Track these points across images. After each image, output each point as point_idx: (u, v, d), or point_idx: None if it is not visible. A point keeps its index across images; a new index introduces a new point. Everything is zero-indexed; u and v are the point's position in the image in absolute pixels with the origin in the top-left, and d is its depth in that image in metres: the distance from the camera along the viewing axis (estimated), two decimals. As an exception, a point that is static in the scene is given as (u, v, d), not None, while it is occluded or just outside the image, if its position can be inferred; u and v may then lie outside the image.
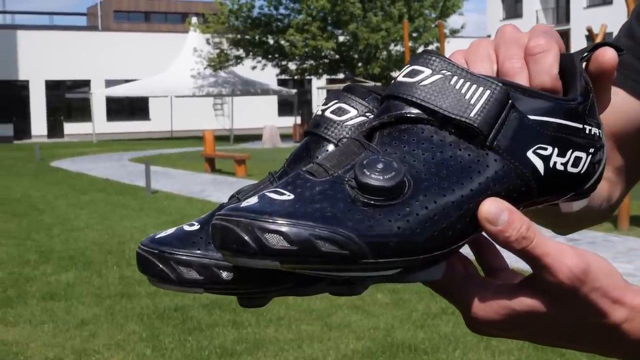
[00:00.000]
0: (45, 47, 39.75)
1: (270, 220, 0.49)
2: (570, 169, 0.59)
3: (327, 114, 0.65)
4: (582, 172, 0.60)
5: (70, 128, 40.53)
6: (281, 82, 42.31)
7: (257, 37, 33.26)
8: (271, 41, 33.49)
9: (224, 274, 0.59)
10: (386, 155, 0.54)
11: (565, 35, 44.04)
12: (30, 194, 13.63)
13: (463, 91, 0.55)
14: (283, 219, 0.49)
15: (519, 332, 0.59)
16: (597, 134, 0.61)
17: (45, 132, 39.91)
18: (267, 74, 37.33)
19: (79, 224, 9.96)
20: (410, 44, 29.60)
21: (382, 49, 32.48)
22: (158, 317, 5.52)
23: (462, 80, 0.56)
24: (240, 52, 33.98)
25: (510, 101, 0.56)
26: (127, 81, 38.13)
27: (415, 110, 0.56)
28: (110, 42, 41.66)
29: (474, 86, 0.56)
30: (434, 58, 0.57)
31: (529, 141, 0.56)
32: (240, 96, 36.59)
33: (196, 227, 0.62)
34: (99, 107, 39.36)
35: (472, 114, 0.55)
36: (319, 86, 37.95)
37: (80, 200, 12.49)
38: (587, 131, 0.60)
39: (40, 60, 39.53)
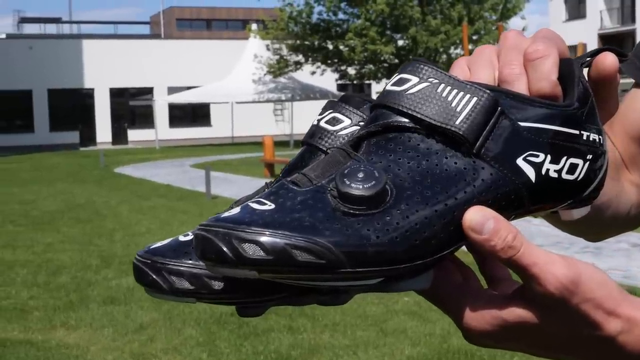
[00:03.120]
0: (109, 55, 40.61)
1: (248, 230, 0.49)
2: (565, 176, 0.57)
3: (322, 123, 0.66)
4: (579, 179, 0.58)
5: (134, 135, 41.28)
6: (340, 87, 42.37)
7: (316, 43, 33.38)
8: (330, 46, 33.56)
9: (215, 284, 0.59)
10: (370, 164, 0.54)
11: (630, 36, 43.08)
12: (94, 199, 13.92)
13: (449, 99, 0.55)
14: (260, 228, 0.49)
15: (512, 343, 0.58)
16: (597, 140, 0.60)
17: (109, 138, 40.74)
18: (327, 79, 37.44)
19: (140, 229, 10.13)
20: (470, 46, 29.35)
21: (441, 53, 32.27)
22: (215, 322, 5.58)
23: (449, 88, 0.55)
24: (300, 57, 34.14)
25: (499, 108, 0.55)
26: (189, 88, 38.66)
27: (402, 119, 0.55)
28: (173, 49, 42.32)
29: (461, 93, 0.55)
30: (422, 66, 0.57)
31: (519, 148, 0.55)
32: (300, 101, 36.77)
33: (190, 237, 0.63)
34: (161, 114, 39.99)
35: (457, 122, 0.54)
36: (378, 91, 37.89)
37: (142, 206, 12.70)
38: (584, 137, 0.58)
39: (105, 69, 40.39)
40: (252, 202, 0.53)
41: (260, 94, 35.31)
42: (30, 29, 66.51)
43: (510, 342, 0.58)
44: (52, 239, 9.46)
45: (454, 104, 0.55)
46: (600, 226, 0.90)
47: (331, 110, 0.66)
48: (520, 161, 0.55)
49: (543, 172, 0.56)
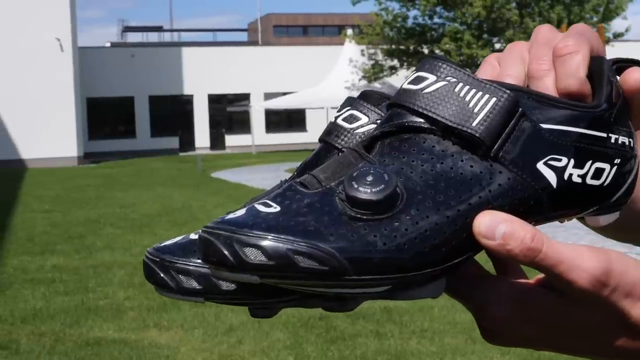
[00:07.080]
0: (208, 62, 41.49)
1: (250, 234, 0.47)
2: (590, 181, 0.54)
3: (339, 121, 0.63)
4: (605, 184, 0.55)
5: (231, 140, 42.00)
6: (436, 92, 42.03)
7: (411, 47, 33.21)
8: (425, 50, 33.33)
9: (224, 284, 0.58)
10: (382, 166, 0.51)
11: None
12: (191, 203, 14.24)
13: (467, 99, 0.52)
14: (263, 232, 0.47)
15: (533, 331, 0.55)
16: (627, 143, 0.56)
17: (208, 144, 41.59)
18: (422, 84, 37.19)
19: (233, 232, 10.29)
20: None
21: (540, 56, 31.56)
22: (302, 326, 5.61)
23: (467, 87, 0.52)
24: (395, 62, 34.04)
25: (520, 109, 0.52)
26: (285, 94, 39.11)
27: (417, 119, 0.53)
28: (270, 56, 42.89)
29: (479, 93, 0.52)
30: (440, 64, 0.54)
31: (540, 152, 0.52)
32: (395, 106, 36.63)
33: None
34: (258, 120, 40.57)
35: (474, 123, 0.51)
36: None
37: (237, 210, 12.90)
38: (612, 140, 0.55)
39: (204, 75, 41.28)
40: (258, 203, 0.51)
41: (355, 99, 35.35)
42: (133, 37, 68.68)
43: (530, 329, 0.54)
44: (149, 242, 9.71)
45: (471, 105, 0.52)
46: None
47: (349, 107, 0.64)
48: (540, 165, 0.52)
49: (565, 177, 0.53)
